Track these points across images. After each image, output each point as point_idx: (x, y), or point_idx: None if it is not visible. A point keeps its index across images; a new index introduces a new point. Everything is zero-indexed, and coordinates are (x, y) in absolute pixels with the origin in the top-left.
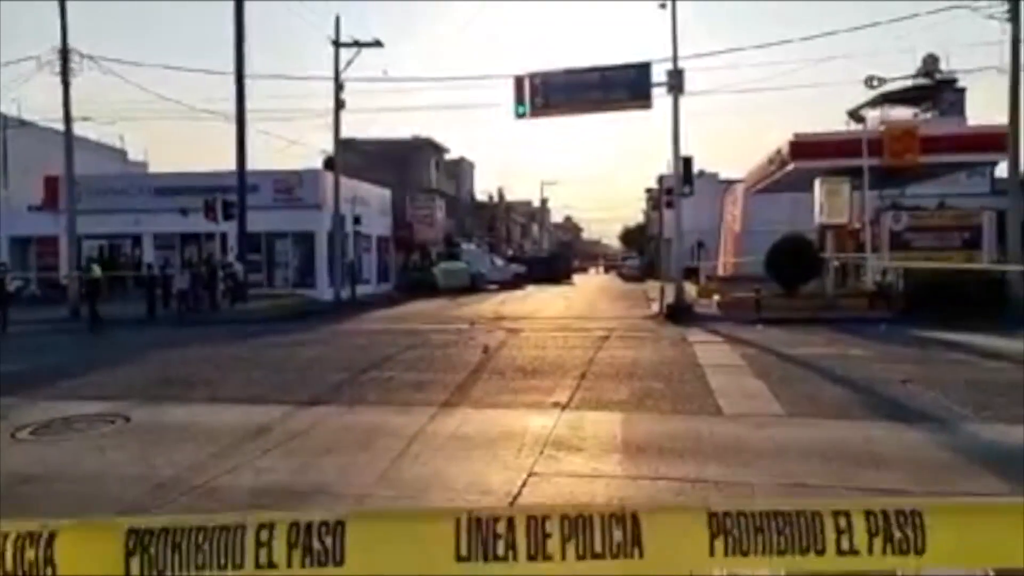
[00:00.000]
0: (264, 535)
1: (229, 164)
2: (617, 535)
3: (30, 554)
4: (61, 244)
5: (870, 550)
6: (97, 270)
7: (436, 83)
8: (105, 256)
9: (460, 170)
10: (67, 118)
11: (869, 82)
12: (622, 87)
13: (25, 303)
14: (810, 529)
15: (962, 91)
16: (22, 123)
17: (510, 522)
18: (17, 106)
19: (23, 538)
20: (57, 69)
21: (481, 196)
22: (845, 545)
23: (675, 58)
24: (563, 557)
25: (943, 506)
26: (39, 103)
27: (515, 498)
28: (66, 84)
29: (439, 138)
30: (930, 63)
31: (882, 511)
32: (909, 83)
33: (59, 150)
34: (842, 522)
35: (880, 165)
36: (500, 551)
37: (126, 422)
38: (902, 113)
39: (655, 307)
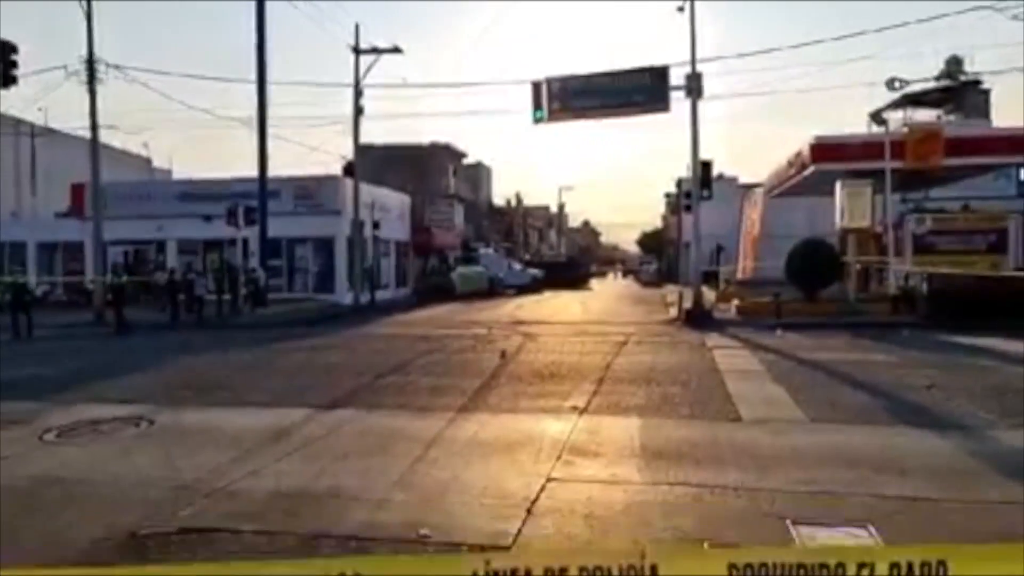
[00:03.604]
0: None
1: (251, 170)
2: None
3: None
4: (87, 250)
5: None
6: (123, 276)
7: (454, 88)
8: (131, 262)
9: (478, 175)
10: (94, 126)
11: (891, 84)
12: (640, 91)
13: (51, 308)
14: None
15: (987, 92)
16: (49, 131)
17: (528, 573)
18: (44, 115)
19: None
20: (84, 78)
21: (499, 201)
22: None
23: (693, 61)
24: None
25: (969, 551)
26: (65, 112)
27: (533, 503)
28: (93, 93)
29: (457, 143)
30: (953, 65)
31: (907, 561)
32: (932, 85)
33: (85, 158)
34: (865, 573)
35: (903, 168)
36: None
37: (150, 425)
38: (925, 115)
39: (673, 312)
